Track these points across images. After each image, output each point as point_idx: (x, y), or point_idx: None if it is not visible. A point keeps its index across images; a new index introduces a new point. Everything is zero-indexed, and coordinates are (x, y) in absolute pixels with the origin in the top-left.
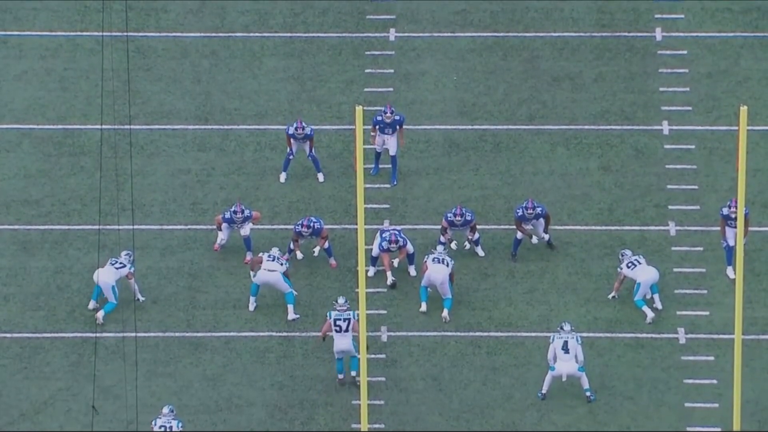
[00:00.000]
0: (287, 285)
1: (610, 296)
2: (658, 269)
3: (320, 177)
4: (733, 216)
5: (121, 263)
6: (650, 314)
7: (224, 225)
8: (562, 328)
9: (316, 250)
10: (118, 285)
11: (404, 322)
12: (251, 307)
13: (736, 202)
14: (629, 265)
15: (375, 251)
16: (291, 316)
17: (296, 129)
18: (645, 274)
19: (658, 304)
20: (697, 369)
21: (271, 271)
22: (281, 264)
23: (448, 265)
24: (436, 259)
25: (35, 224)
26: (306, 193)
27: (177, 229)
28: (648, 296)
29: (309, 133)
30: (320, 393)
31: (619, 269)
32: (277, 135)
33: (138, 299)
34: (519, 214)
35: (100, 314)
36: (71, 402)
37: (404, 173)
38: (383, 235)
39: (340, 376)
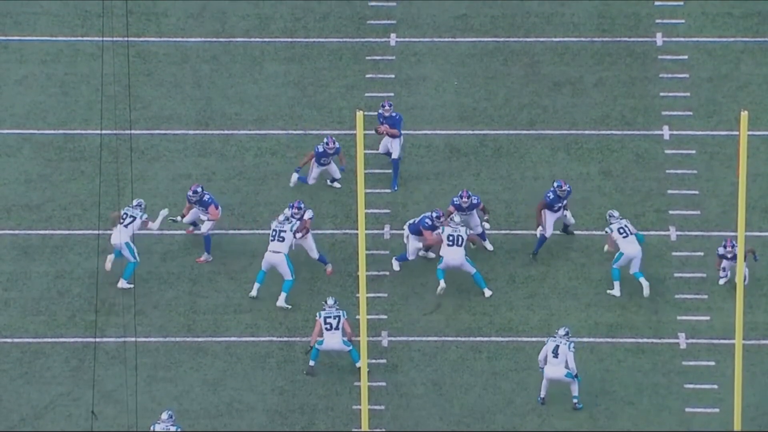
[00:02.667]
0: (289, 271)
1: (604, 249)
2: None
3: (336, 184)
4: (729, 256)
5: (131, 216)
6: (616, 291)
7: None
8: (557, 331)
9: (299, 235)
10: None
11: (405, 327)
12: (253, 293)
13: (731, 241)
14: (620, 230)
15: (407, 235)
16: (280, 302)
17: (326, 144)
18: (630, 247)
19: (646, 290)
20: (697, 374)
21: (275, 252)
22: (282, 239)
23: (461, 244)
24: (450, 238)
25: (36, 229)
26: (306, 198)
27: (178, 234)
28: (631, 270)
29: (338, 148)
30: (321, 398)
31: (608, 231)
32: (278, 140)
33: (171, 218)
34: (549, 198)
35: (110, 258)
36: (72, 407)
37: (405, 178)
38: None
39: (312, 363)
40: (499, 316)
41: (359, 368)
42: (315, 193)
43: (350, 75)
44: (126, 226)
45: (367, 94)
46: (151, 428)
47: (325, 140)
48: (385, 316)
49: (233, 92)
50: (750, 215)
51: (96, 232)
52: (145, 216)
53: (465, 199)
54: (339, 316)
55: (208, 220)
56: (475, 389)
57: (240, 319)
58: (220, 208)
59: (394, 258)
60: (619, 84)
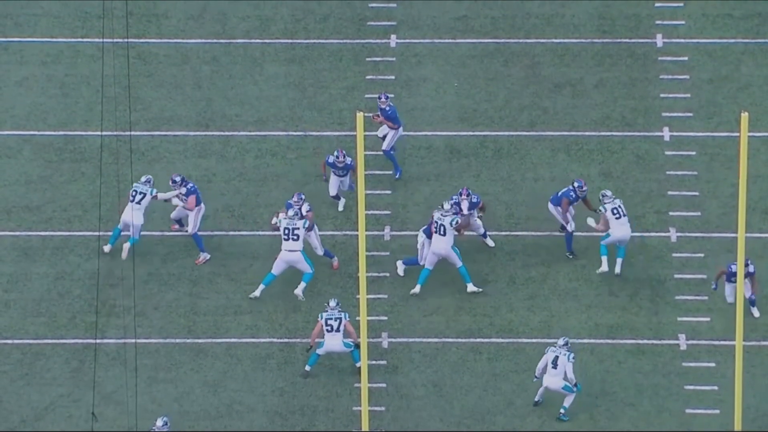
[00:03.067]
0: (308, 265)
1: (593, 225)
2: (631, 229)
3: (340, 206)
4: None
5: (141, 193)
6: (604, 267)
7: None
8: (557, 341)
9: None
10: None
11: (405, 328)
12: (257, 293)
13: (746, 260)
14: (614, 211)
15: (422, 240)
16: (299, 290)
17: (336, 158)
18: (620, 229)
19: (618, 269)
20: (698, 375)
21: (292, 251)
22: (296, 238)
23: (444, 234)
24: (434, 226)
25: (36, 230)
26: (307, 199)
27: (178, 236)
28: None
29: (349, 164)
30: (321, 399)
31: (602, 210)
32: (278, 141)
33: (163, 198)
34: (573, 197)
35: (126, 246)
36: (72, 408)
37: (405, 179)
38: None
39: (307, 368)
40: (499, 318)
41: (359, 369)
42: (315, 195)
43: (350, 76)
44: (139, 203)
45: (367, 96)
46: None
47: (335, 153)
48: (386, 318)
49: (233, 93)
50: (750, 216)
51: (96, 233)
52: (155, 191)
53: (465, 197)
54: (340, 318)
55: (185, 208)
56: (476, 390)
57: (240, 320)
58: (203, 204)
59: (401, 261)
60: (619, 85)
